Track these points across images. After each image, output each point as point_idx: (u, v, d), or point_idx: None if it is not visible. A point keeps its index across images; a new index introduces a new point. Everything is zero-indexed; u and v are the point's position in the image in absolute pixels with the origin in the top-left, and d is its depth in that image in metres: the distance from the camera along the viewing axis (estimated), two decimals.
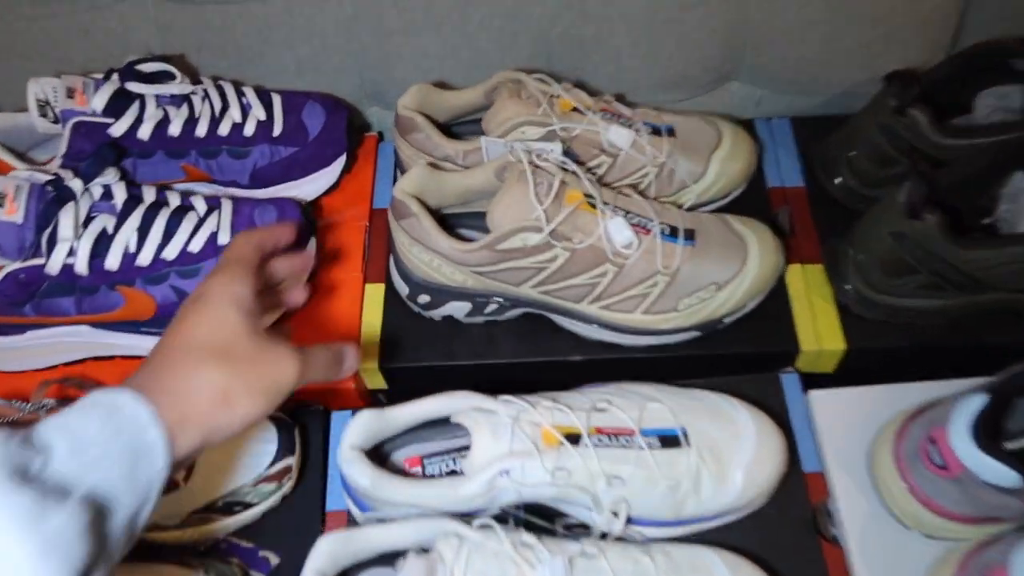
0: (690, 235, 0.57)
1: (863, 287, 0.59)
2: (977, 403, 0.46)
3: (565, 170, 0.55)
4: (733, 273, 0.57)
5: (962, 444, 0.45)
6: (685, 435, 0.51)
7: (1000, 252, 0.52)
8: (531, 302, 0.58)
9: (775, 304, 0.62)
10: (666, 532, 0.53)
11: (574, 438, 0.49)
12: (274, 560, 0.55)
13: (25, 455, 0.30)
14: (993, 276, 0.54)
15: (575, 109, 0.61)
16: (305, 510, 0.57)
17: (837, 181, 0.65)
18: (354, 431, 0.48)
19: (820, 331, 0.61)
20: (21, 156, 0.62)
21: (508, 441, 0.47)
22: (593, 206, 0.54)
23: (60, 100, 0.59)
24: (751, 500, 0.52)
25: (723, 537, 0.53)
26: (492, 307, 0.59)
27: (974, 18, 0.70)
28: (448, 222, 0.60)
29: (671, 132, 0.63)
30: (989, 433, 0.44)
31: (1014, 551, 0.43)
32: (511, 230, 0.52)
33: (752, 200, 0.67)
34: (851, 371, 0.63)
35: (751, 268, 0.57)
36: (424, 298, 0.59)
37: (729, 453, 0.51)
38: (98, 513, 0.31)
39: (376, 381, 0.64)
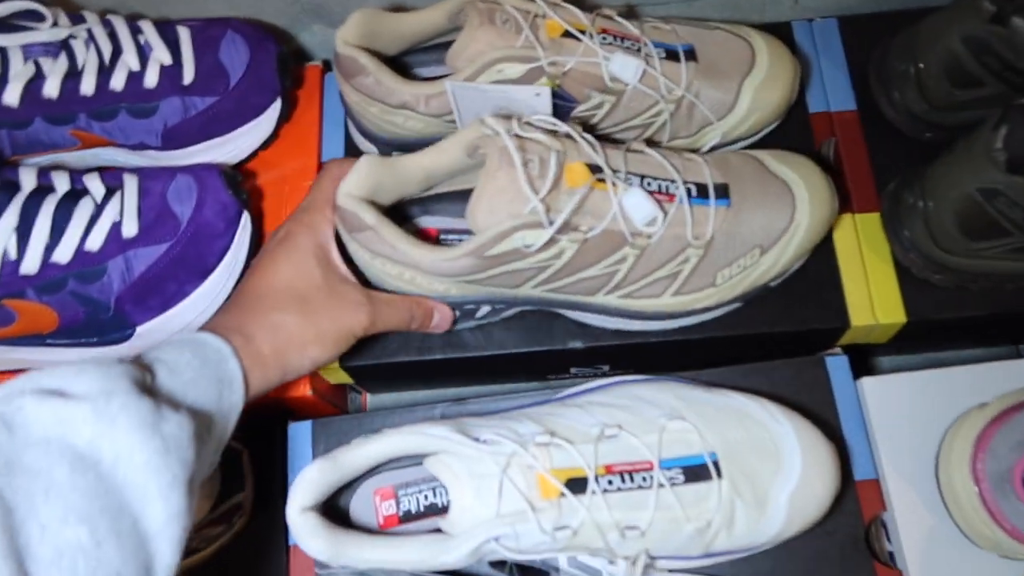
0: (723, 192, 0.45)
1: (932, 248, 0.47)
2: None
3: (557, 134, 0.42)
4: (781, 230, 0.45)
5: None
6: (715, 464, 0.41)
7: None
8: (533, 301, 0.47)
9: (819, 265, 0.51)
10: (692, 565, 0.44)
11: (578, 483, 0.39)
12: None
13: (139, 371, 0.33)
14: None
15: (567, 34, 0.47)
16: (265, 543, 0.48)
17: (899, 103, 0.51)
18: (302, 489, 0.39)
19: (875, 300, 0.50)
20: None
21: (495, 500, 0.38)
22: (602, 180, 0.42)
23: None
24: (796, 532, 0.43)
25: (759, 560, 0.44)
26: (484, 311, 0.48)
27: None
28: (410, 211, 0.48)
29: (691, 55, 0.49)
30: None
31: None
32: (501, 232, 0.40)
33: (789, 130, 0.54)
34: (911, 339, 0.53)
35: (801, 221, 0.46)
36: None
37: (769, 478, 0.42)
38: (199, 425, 0.34)
39: (339, 377, 0.54)
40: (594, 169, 0.41)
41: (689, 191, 0.44)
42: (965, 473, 0.43)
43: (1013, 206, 0.42)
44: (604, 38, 0.47)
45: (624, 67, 0.46)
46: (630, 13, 0.52)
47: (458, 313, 0.47)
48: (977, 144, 0.42)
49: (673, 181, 0.44)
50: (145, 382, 0.33)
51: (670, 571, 0.44)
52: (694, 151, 0.49)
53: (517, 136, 0.40)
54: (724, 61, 0.50)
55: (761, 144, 0.52)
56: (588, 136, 0.43)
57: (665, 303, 0.46)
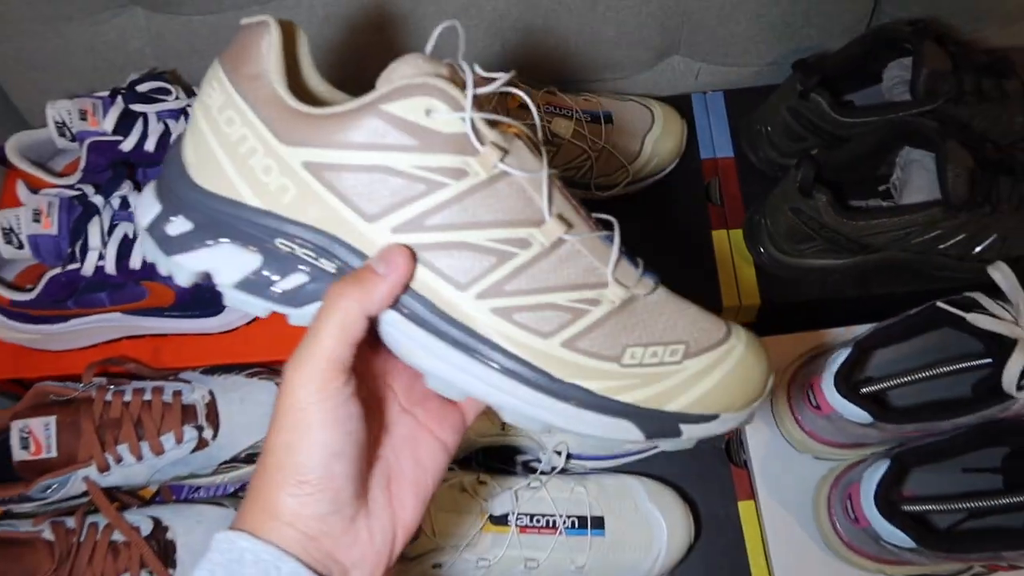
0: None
1: (774, 251, 0.68)
2: (843, 356, 0.56)
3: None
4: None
5: (829, 390, 0.56)
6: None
7: (875, 223, 0.61)
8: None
9: (703, 264, 0.72)
10: (599, 464, 0.65)
11: None
12: None
13: None
14: (876, 240, 0.63)
15: (521, 106, 0.69)
16: None
17: (759, 154, 0.74)
18: None
19: (741, 288, 0.71)
20: (42, 166, 0.72)
21: None
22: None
23: (75, 122, 0.69)
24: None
25: (647, 468, 0.65)
26: (297, 277, 0.34)
27: None
28: None
29: (608, 119, 0.71)
30: (847, 382, 0.55)
31: (865, 471, 0.55)
32: (408, 85, 0.31)
33: (686, 170, 0.76)
34: (770, 323, 0.73)
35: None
36: (181, 224, 0.35)
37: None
38: None
39: None
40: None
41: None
42: (783, 399, 0.63)
43: (810, 219, 0.63)
44: (547, 108, 0.70)
45: (560, 127, 0.69)
46: (572, 82, 0.74)
47: (265, 272, 0.34)
48: (788, 179, 0.64)
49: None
50: None
51: None
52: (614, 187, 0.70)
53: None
54: (632, 123, 0.72)
55: (665, 180, 0.74)
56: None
57: None
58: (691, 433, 0.34)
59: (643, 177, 0.74)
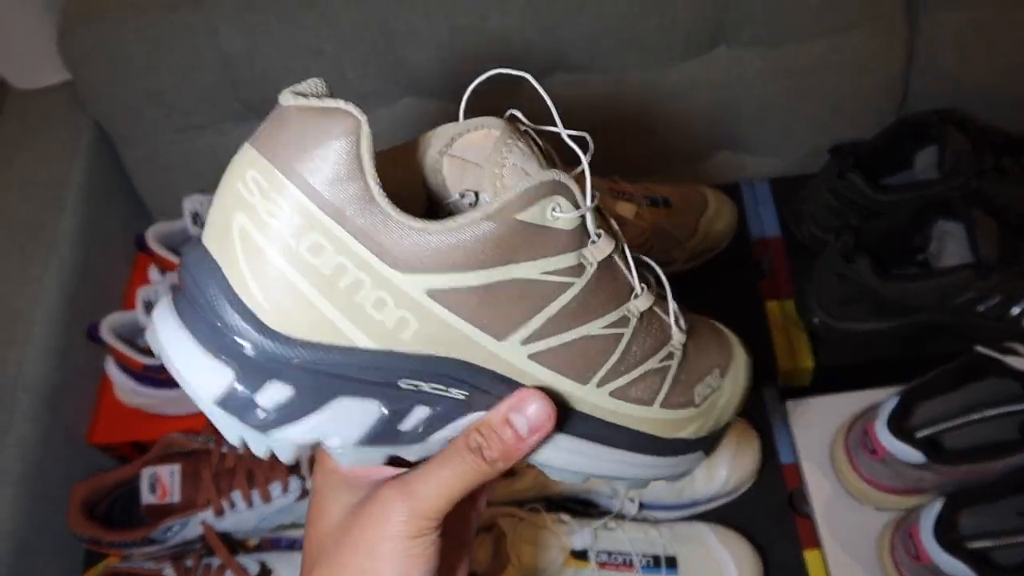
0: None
1: (824, 315, 0.75)
2: (894, 402, 0.61)
3: None
4: None
5: (882, 432, 0.60)
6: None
7: (914, 285, 0.68)
8: (498, 381, 0.31)
9: (758, 332, 0.78)
10: (668, 515, 0.69)
11: None
12: None
13: None
14: (915, 302, 0.69)
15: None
16: None
17: (804, 230, 0.81)
18: None
19: (795, 353, 0.77)
20: (175, 250, 0.83)
21: None
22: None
23: (206, 212, 0.80)
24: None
25: (715, 517, 0.69)
26: (418, 417, 0.30)
27: (920, 79, 0.85)
28: None
29: (666, 203, 0.80)
30: (900, 424, 0.60)
31: (923, 510, 0.59)
32: (532, 188, 0.28)
33: (738, 249, 0.83)
34: (825, 384, 0.79)
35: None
36: (284, 392, 0.28)
37: None
38: None
39: None
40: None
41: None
42: (842, 451, 0.68)
43: (854, 283, 0.70)
44: (611, 192, 0.79)
45: (624, 209, 0.78)
46: (632, 179, 0.84)
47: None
48: (831, 248, 0.71)
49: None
50: None
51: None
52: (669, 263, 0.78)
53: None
54: (688, 206, 0.81)
55: (718, 259, 0.82)
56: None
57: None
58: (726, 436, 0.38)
59: (699, 255, 0.81)
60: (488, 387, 0.29)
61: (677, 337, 0.34)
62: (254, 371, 0.26)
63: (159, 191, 0.92)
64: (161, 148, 0.90)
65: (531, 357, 0.29)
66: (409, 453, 0.30)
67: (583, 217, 0.29)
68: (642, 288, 0.32)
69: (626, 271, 0.32)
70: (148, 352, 0.77)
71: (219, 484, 0.70)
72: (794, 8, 0.80)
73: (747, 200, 0.88)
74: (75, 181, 0.85)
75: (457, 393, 0.29)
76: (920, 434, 0.60)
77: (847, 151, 0.75)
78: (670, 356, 0.34)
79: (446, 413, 0.29)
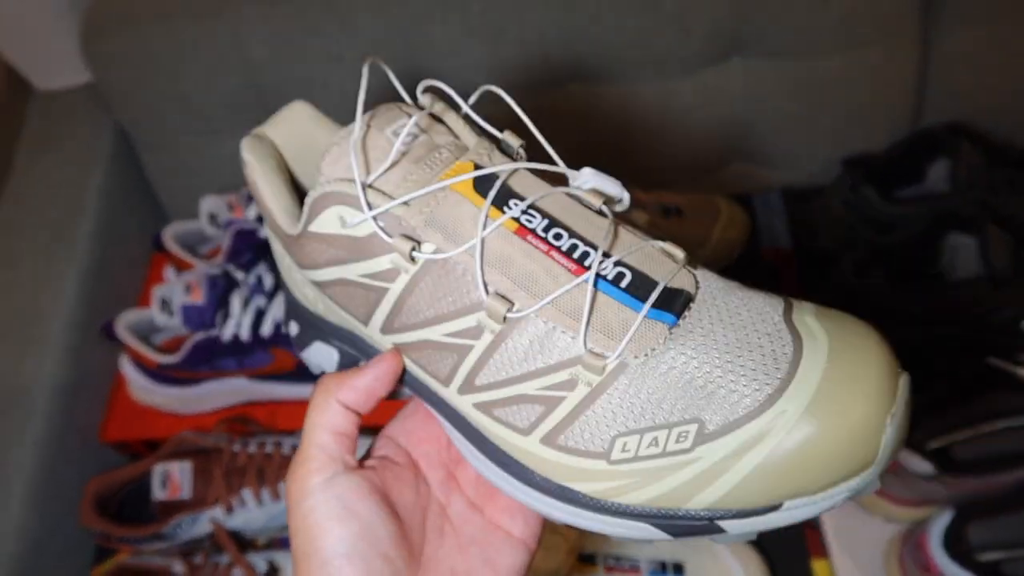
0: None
1: None
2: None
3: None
4: None
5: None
6: None
7: (927, 298, 0.68)
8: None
9: None
10: None
11: None
12: None
13: None
14: (927, 315, 0.69)
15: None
16: None
17: (815, 243, 0.81)
18: None
19: None
20: (191, 249, 0.84)
21: None
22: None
23: (223, 212, 0.81)
24: None
25: None
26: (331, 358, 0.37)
27: (934, 94, 0.86)
28: None
29: (679, 212, 0.81)
30: (909, 437, 0.60)
31: (932, 523, 0.59)
32: (317, 199, 0.31)
33: (750, 259, 0.84)
34: None
35: None
36: (293, 328, 0.38)
37: None
38: None
39: None
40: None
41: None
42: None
43: (866, 299, 0.70)
44: None
45: (637, 218, 0.78)
46: (645, 189, 0.84)
47: (338, 356, 0.36)
48: (844, 260, 0.71)
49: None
50: None
51: None
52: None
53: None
54: (700, 215, 0.81)
55: (732, 266, 0.82)
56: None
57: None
58: (741, 529, 0.26)
59: (710, 265, 0.82)
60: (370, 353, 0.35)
61: (593, 365, 0.27)
62: (287, 315, 0.39)
63: (177, 192, 0.94)
64: (182, 151, 0.91)
65: (395, 344, 0.32)
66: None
67: (382, 223, 0.30)
68: (510, 302, 0.28)
69: (479, 278, 0.28)
70: (163, 350, 0.78)
71: (230, 481, 0.71)
72: (809, 23, 0.80)
73: (759, 211, 0.88)
74: (95, 183, 0.86)
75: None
76: (930, 446, 0.60)
77: (860, 163, 0.75)
78: (568, 386, 0.27)
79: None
